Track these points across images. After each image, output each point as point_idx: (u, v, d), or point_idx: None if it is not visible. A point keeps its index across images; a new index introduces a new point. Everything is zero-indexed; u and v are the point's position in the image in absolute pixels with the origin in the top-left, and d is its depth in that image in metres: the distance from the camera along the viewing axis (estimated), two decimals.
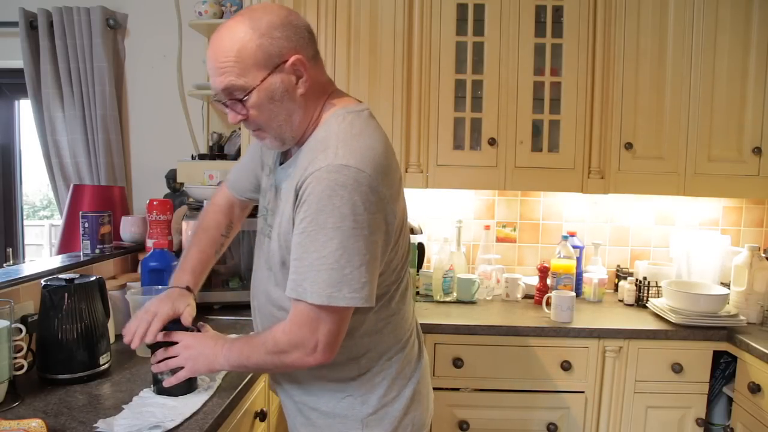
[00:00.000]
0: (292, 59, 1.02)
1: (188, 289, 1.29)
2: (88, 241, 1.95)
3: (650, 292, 2.30)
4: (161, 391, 1.26)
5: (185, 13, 2.51)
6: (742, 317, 2.03)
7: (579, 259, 2.43)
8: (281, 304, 1.15)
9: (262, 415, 1.55)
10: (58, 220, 2.60)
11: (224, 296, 2.05)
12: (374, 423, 1.18)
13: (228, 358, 1.13)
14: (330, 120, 1.08)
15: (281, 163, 1.17)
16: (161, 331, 1.20)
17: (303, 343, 1.04)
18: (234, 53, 0.99)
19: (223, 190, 1.45)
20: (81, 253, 1.97)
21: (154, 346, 1.22)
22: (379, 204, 1.00)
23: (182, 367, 1.18)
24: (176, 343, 1.19)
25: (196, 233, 1.40)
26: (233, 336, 1.36)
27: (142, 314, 1.21)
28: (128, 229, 2.21)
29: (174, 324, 1.23)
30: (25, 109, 2.87)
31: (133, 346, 1.20)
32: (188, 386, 1.26)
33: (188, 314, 1.23)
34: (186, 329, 1.23)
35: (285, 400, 1.28)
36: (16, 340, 1.30)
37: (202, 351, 1.16)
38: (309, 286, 0.99)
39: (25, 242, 3.06)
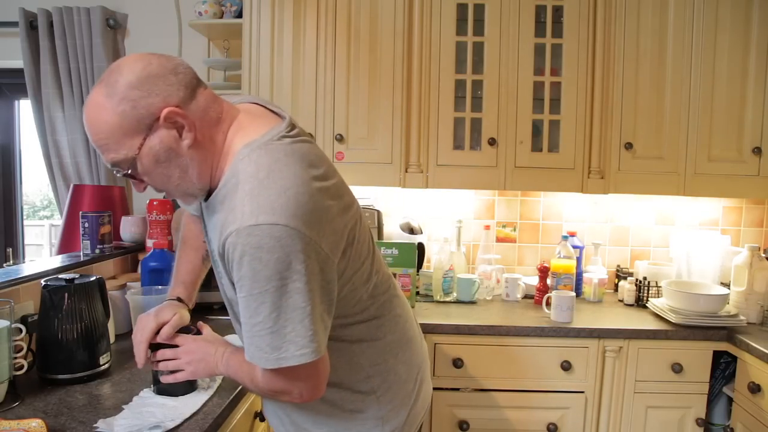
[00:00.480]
0: (163, 114, 0.93)
1: (180, 300, 1.28)
2: (88, 241, 1.95)
3: (650, 292, 2.30)
4: (161, 391, 1.26)
5: (185, 13, 2.51)
6: (742, 317, 2.02)
7: (579, 259, 2.43)
8: None
9: (262, 416, 1.55)
10: (58, 220, 2.60)
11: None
12: (392, 416, 1.18)
13: (226, 369, 1.12)
14: (236, 165, 0.97)
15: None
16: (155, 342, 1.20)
17: (285, 392, 1.02)
18: (103, 130, 0.93)
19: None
20: (81, 253, 1.97)
21: (154, 347, 1.22)
22: (307, 249, 0.91)
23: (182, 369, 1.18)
24: (176, 346, 1.19)
25: (180, 248, 1.38)
26: (233, 341, 1.37)
27: (134, 334, 1.21)
28: (128, 229, 2.21)
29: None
30: (25, 109, 2.87)
31: (139, 367, 1.20)
32: (188, 386, 1.27)
33: (174, 322, 1.20)
34: (186, 330, 1.23)
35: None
36: (16, 340, 1.30)
37: (203, 357, 1.15)
38: (257, 352, 0.95)
39: (25, 242, 3.06)
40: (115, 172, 0.99)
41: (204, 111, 0.98)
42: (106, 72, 0.96)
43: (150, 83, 0.93)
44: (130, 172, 0.97)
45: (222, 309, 2.02)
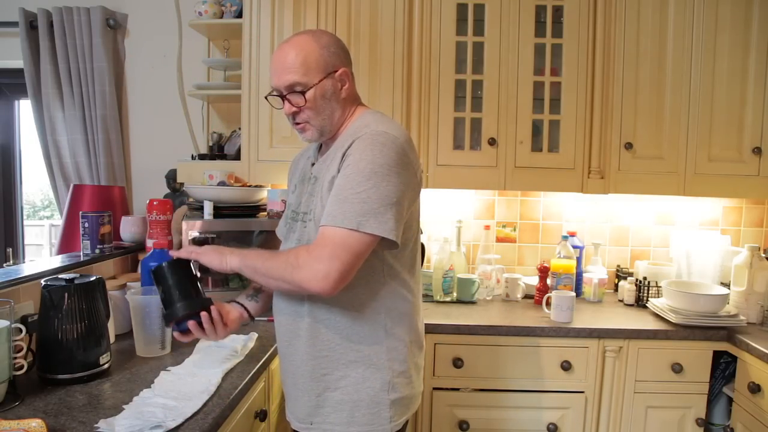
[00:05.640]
0: (340, 70, 1.30)
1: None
2: (88, 241, 1.95)
3: (650, 292, 2.30)
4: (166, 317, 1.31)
5: (185, 13, 2.51)
6: (742, 317, 2.03)
7: (579, 259, 2.43)
8: None
9: (262, 415, 1.55)
10: (58, 220, 2.60)
11: (224, 296, 2.05)
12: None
13: (244, 257, 1.26)
14: (363, 115, 1.33)
15: (313, 163, 1.38)
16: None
17: (320, 263, 1.14)
18: (301, 58, 1.26)
19: None
20: (81, 253, 1.97)
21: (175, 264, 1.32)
22: (409, 165, 1.23)
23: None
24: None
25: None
26: (232, 340, 1.36)
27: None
28: (128, 229, 2.21)
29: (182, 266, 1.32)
30: (25, 109, 2.87)
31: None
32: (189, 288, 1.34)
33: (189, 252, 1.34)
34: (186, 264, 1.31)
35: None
36: (16, 340, 1.30)
37: (215, 251, 1.30)
38: (341, 214, 1.15)
39: (25, 242, 3.06)
40: (278, 92, 1.29)
41: (353, 87, 1.36)
42: (309, 30, 1.34)
43: (340, 49, 1.32)
44: (298, 90, 1.26)
45: None
